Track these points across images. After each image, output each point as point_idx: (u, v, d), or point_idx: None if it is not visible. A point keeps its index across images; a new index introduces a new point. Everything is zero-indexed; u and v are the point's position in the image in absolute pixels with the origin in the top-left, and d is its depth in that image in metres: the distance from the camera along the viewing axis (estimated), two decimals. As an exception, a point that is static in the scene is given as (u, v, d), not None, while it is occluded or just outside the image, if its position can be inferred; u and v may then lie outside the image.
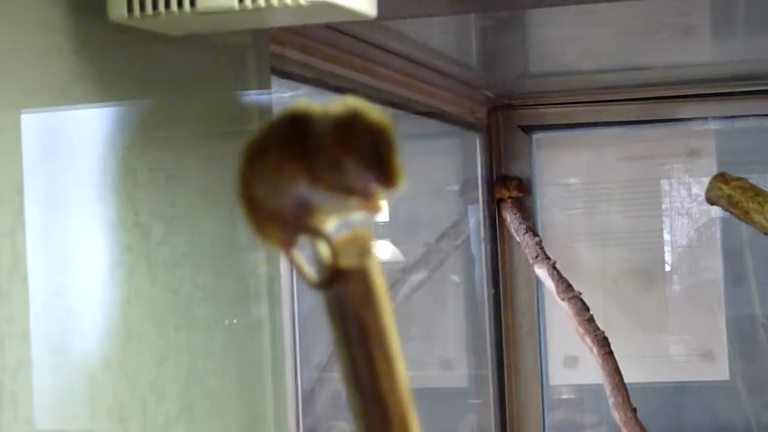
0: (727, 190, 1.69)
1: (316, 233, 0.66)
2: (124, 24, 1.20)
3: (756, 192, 1.68)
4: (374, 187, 0.64)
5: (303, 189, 0.66)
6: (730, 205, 1.68)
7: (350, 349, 0.63)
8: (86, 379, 1.23)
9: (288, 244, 0.68)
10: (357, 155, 0.63)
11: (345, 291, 0.62)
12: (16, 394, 1.11)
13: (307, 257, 0.70)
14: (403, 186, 0.63)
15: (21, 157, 1.15)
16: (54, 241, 1.19)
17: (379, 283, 0.63)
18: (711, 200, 1.73)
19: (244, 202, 0.68)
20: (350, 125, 0.64)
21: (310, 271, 0.68)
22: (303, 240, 0.69)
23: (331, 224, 0.68)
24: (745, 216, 1.67)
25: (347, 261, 0.63)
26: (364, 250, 0.63)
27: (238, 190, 0.68)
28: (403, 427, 0.62)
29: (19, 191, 1.14)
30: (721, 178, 1.72)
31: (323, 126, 0.65)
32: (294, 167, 0.65)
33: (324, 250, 0.65)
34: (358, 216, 0.67)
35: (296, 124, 0.66)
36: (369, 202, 0.65)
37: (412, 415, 0.63)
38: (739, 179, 1.71)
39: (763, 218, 1.65)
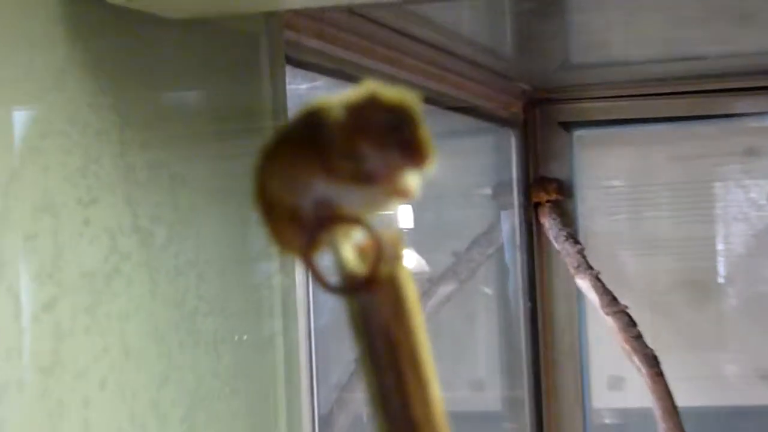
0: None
1: (340, 233, 0.64)
2: (123, 7, 1.19)
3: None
4: (400, 167, 0.62)
5: (321, 185, 0.64)
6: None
7: (378, 369, 0.60)
8: (79, 401, 1.21)
9: (308, 250, 0.66)
10: (374, 138, 0.63)
11: (373, 302, 0.60)
12: (3, 420, 1.09)
13: (326, 266, 0.68)
14: (434, 163, 0.62)
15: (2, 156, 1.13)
16: (42, 247, 1.17)
17: (412, 292, 0.61)
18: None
19: (259, 204, 0.67)
20: (366, 108, 0.63)
21: (331, 280, 0.66)
22: (324, 246, 0.67)
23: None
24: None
25: (376, 267, 0.61)
26: (394, 255, 0.61)
27: (252, 191, 0.67)
28: (439, 460, 0.60)
29: (4, 193, 1.12)
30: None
31: (338, 114, 0.64)
32: (307, 161, 0.64)
33: (349, 254, 0.62)
34: (387, 209, 0.65)
35: (311, 116, 0.65)
36: (396, 186, 0.63)
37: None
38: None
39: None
